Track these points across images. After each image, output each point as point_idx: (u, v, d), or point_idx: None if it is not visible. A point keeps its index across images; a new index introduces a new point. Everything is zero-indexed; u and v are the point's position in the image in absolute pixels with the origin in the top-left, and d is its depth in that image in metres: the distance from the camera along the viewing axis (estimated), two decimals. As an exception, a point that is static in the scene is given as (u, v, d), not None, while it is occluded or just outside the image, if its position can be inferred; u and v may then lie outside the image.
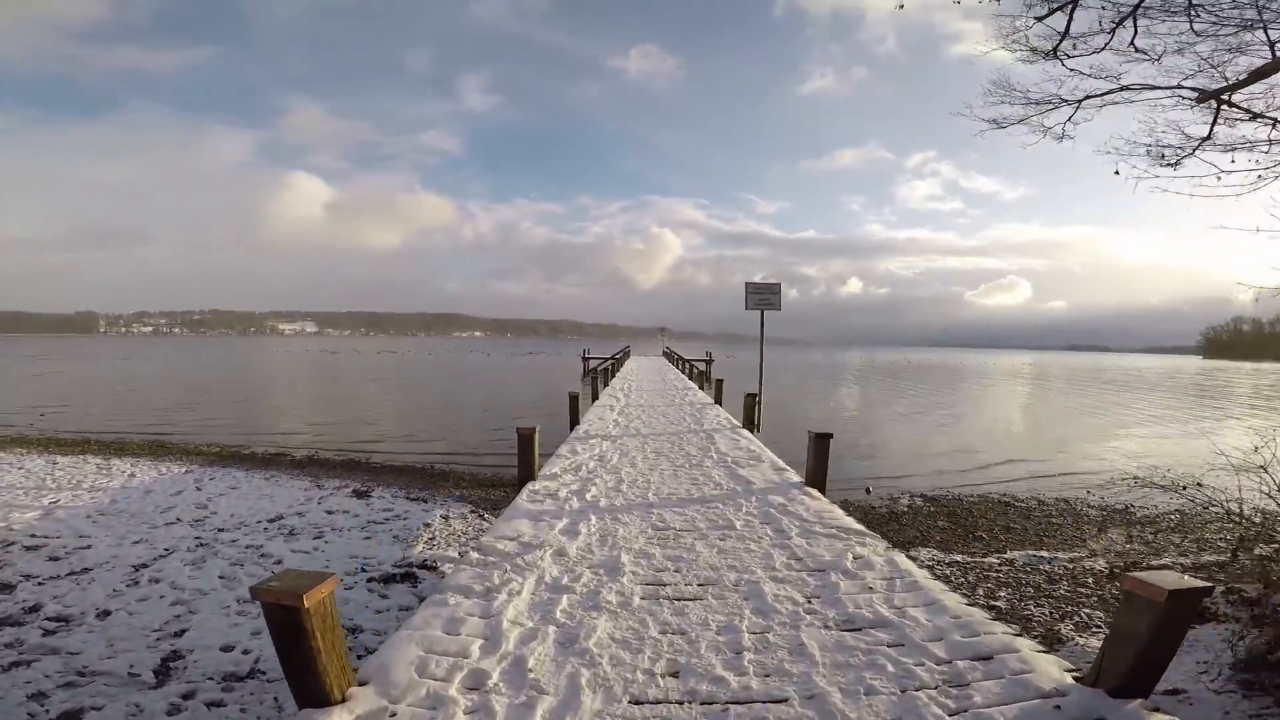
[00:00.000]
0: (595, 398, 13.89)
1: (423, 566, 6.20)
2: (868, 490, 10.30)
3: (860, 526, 5.05)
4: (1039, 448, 15.86)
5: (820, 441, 6.07)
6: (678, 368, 30.81)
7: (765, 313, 10.75)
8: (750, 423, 9.91)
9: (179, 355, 65.08)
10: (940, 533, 8.32)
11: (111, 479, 9.72)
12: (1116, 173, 8.58)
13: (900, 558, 4.39)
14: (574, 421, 10.28)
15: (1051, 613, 5.84)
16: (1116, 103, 7.87)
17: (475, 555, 4.17)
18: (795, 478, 6.64)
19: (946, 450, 15.10)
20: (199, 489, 9.22)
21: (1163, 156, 8.97)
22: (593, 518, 4.99)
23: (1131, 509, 10.00)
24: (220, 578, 5.79)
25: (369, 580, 5.77)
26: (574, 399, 10.60)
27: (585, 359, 43.95)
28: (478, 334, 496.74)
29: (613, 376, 21.37)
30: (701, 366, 37.30)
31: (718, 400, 13.56)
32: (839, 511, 5.45)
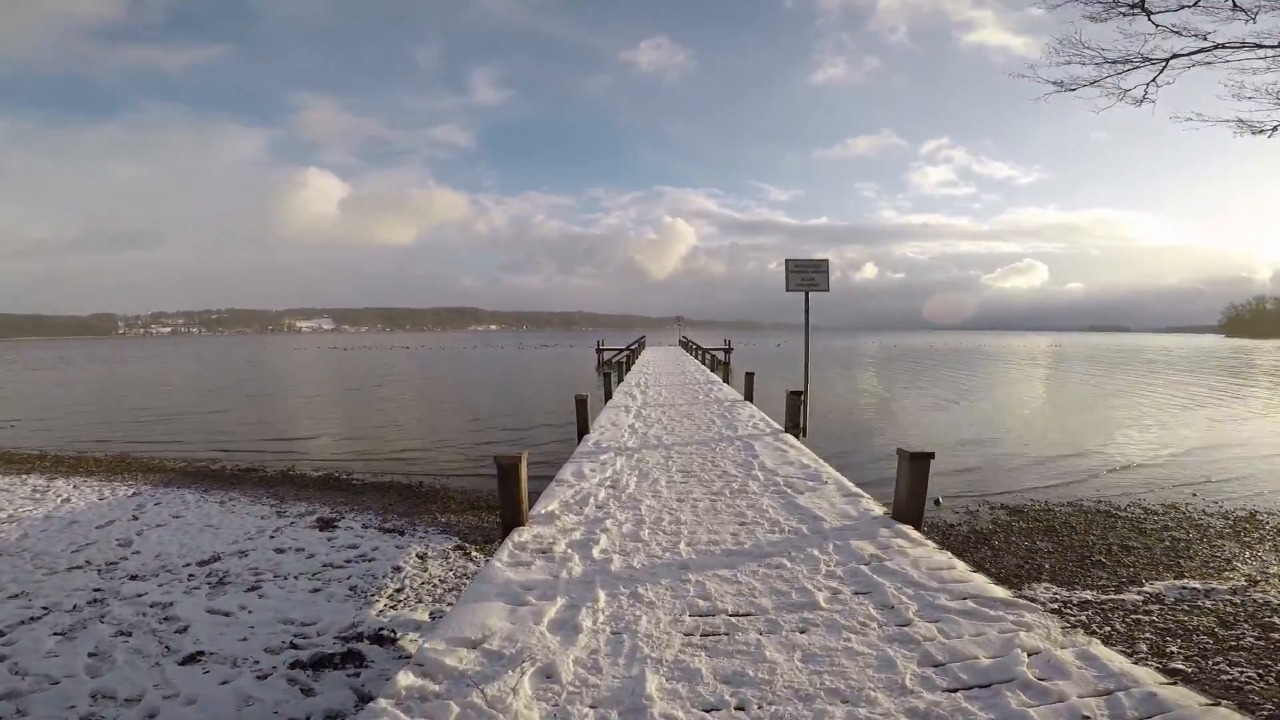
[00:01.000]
0: (608, 396, 12.21)
1: (376, 638, 4.57)
2: (937, 501, 8.54)
3: (1006, 593, 3.34)
4: (1111, 440, 13.93)
5: (917, 465, 4.33)
6: (696, 358, 29.11)
7: (808, 296, 8.96)
8: (796, 426, 8.16)
9: (187, 356, 64.34)
10: (1047, 558, 6.57)
11: (40, 506, 8.24)
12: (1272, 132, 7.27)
13: (1102, 649, 2.70)
14: (582, 430, 8.59)
15: (1261, 675, 4.11)
16: (1209, 63, 7.05)
17: (406, 680, 2.51)
18: (876, 508, 4.91)
19: (1008, 446, 13.21)
20: (135, 518, 7.70)
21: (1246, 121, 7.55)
22: (601, 596, 3.27)
23: (1258, 515, 8.19)
24: (91, 656, 4.23)
25: (293, 665, 4.14)
26: (582, 404, 8.86)
27: (599, 351, 42.33)
28: (493, 328, 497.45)
29: (628, 369, 19.72)
30: (721, 356, 35.52)
31: (748, 396, 11.81)
32: (961, 565, 3.73)
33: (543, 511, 4.70)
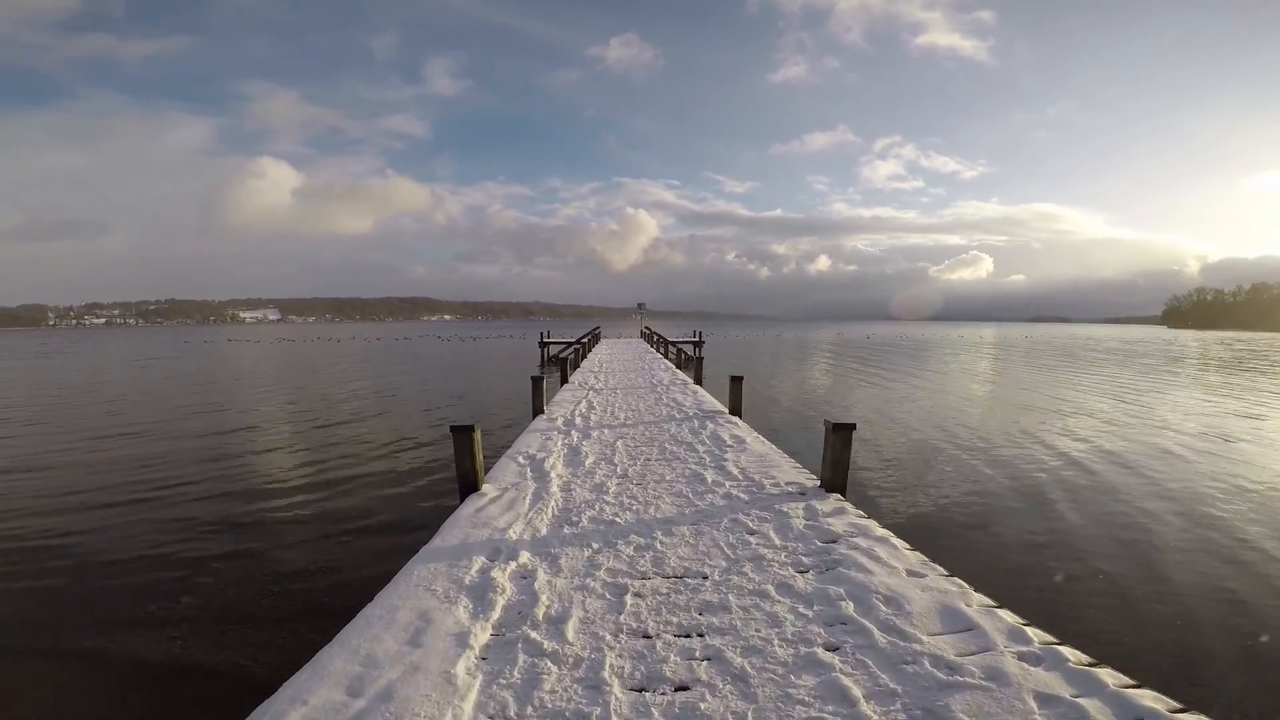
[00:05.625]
0: (468, 487, 4.84)
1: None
2: None
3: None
4: None
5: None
6: (668, 357, 22.05)
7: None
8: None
9: (87, 351, 53.00)
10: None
11: None
12: None
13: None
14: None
15: None
16: None
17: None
18: None
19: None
20: None
21: None
22: None
23: None
24: None
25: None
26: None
27: (543, 344, 34.51)
28: (447, 317, 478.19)
29: (565, 381, 12.56)
30: (690, 350, 28.53)
31: (835, 488, 4.83)
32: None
33: None
